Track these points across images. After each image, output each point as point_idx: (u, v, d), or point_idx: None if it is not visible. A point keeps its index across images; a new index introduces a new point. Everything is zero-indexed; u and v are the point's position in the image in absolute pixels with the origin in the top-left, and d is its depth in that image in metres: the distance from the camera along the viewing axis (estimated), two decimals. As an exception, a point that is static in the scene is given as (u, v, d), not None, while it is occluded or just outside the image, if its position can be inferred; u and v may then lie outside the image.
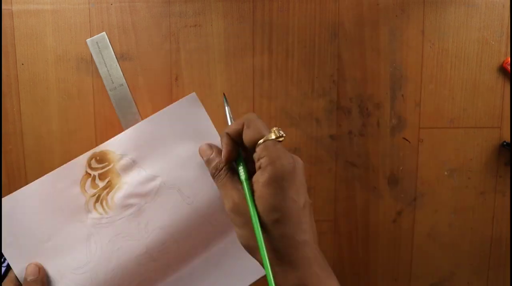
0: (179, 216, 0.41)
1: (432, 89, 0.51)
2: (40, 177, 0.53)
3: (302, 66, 0.52)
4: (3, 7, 0.51)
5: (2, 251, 0.40)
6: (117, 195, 0.41)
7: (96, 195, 0.41)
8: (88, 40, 0.51)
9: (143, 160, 0.41)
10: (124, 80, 0.52)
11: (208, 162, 0.37)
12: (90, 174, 0.41)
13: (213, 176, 0.36)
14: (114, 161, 0.41)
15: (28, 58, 0.52)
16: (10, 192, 0.55)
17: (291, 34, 0.51)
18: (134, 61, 0.52)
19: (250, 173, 0.34)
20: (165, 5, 0.51)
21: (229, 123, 0.38)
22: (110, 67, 0.52)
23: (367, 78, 0.52)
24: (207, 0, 0.51)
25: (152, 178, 0.41)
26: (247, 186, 0.32)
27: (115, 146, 0.41)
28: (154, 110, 0.52)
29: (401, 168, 0.53)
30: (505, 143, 0.51)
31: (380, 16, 0.51)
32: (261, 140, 0.31)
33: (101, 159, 0.41)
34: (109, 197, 0.41)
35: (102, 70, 0.52)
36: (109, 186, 0.41)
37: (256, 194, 0.31)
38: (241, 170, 0.34)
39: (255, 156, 0.32)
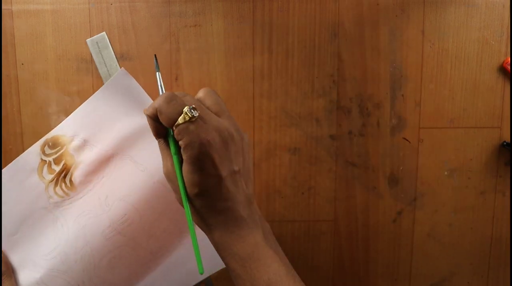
0: (135, 184, 0.42)
1: (432, 89, 0.51)
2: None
3: (302, 66, 0.52)
4: (3, 7, 0.51)
5: None
6: (74, 175, 0.42)
7: (54, 179, 0.42)
8: (88, 40, 0.51)
9: (93, 137, 0.43)
10: (124, 80, 0.52)
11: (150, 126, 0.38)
12: (45, 160, 0.42)
13: (156, 138, 0.38)
14: (66, 143, 0.42)
15: (28, 58, 0.52)
16: (10, 192, 0.55)
17: (291, 34, 0.51)
18: (134, 61, 0.52)
19: None
20: (165, 5, 0.51)
21: (160, 93, 0.38)
22: (110, 67, 0.52)
23: (367, 78, 0.52)
24: (207, 0, 0.51)
25: (105, 153, 0.42)
26: (176, 160, 0.34)
27: (64, 129, 0.43)
28: (154, 110, 0.52)
29: (401, 168, 0.53)
30: (505, 143, 0.51)
31: (380, 16, 0.51)
32: (175, 123, 0.33)
33: (54, 144, 0.42)
34: (67, 179, 0.42)
35: (102, 70, 0.52)
36: (65, 169, 0.42)
37: (182, 168, 0.34)
38: (171, 145, 0.35)
39: (175, 137, 0.34)
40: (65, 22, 0.51)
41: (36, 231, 0.42)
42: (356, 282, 0.55)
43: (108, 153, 0.43)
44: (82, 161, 0.42)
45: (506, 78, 0.51)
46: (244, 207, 0.36)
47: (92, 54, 0.52)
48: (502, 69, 0.50)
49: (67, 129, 0.43)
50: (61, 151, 0.42)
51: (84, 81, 0.52)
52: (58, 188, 0.42)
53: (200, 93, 0.36)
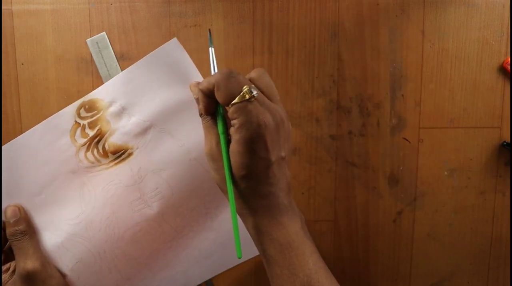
0: (170, 159, 0.41)
1: (432, 89, 0.51)
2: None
3: (302, 66, 0.52)
4: (3, 7, 0.51)
5: None
6: (108, 142, 0.41)
7: (87, 144, 0.41)
8: (88, 40, 0.51)
9: (132, 105, 0.41)
10: (124, 80, 0.52)
11: (196, 101, 0.37)
12: (79, 123, 0.41)
13: (200, 115, 0.37)
14: (103, 108, 0.41)
15: (28, 58, 0.52)
16: (10, 192, 0.55)
17: (291, 34, 0.51)
18: (134, 61, 0.52)
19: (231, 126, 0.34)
20: (165, 5, 0.51)
21: (212, 71, 0.38)
22: (110, 67, 0.52)
23: (367, 78, 0.52)
24: (207, 0, 0.51)
25: (142, 123, 0.41)
26: (223, 140, 0.34)
27: (103, 93, 0.41)
28: (154, 110, 0.52)
29: (401, 168, 0.53)
30: (505, 143, 0.51)
31: (380, 16, 0.51)
32: (233, 102, 0.32)
33: (90, 107, 0.41)
34: (99, 145, 0.40)
35: (102, 70, 0.52)
36: (99, 134, 0.41)
37: (230, 149, 0.33)
38: (219, 123, 0.35)
39: (229, 116, 0.33)
40: (65, 22, 0.51)
41: (61, 194, 0.40)
42: (356, 282, 0.55)
43: (146, 123, 0.41)
44: (118, 129, 0.41)
45: (506, 78, 0.51)
46: (285, 194, 0.35)
47: (92, 54, 0.52)
48: (502, 69, 0.50)
49: (106, 94, 0.41)
50: (97, 115, 0.41)
51: (84, 81, 0.52)
52: (89, 153, 0.41)
53: (253, 74, 0.35)
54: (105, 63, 0.52)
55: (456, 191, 0.53)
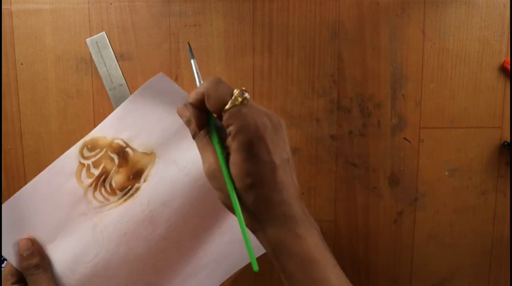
0: (179, 188, 0.40)
1: (432, 89, 0.51)
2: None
3: (302, 66, 0.52)
4: (2, 6, 0.51)
5: (5, 256, 0.39)
6: (114, 180, 0.40)
7: (94, 184, 0.40)
8: (87, 39, 0.51)
9: (134, 139, 0.40)
10: (123, 80, 0.52)
11: (187, 123, 0.36)
12: (84, 164, 0.40)
13: (193, 137, 0.35)
14: (106, 145, 0.40)
15: (27, 58, 0.52)
16: (9, 192, 0.55)
17: (291, 34, 0.51)
18: (134, 61, 0.52)
19: (227, 136, 0.33)
20: (164, 4, 0.51)
21: (197, 83, 0.36)
22: (109, 67, 0.51)
23: (368, 78, 0.52)
24: (207, 0, 0.51)
25: (146, 156, 0.40)
26: (219, 151, 0.32)
27: (104, 130, 0.40)
28: (154, 110, 0.52)
29: (401, 168, 0.53)
30: (506, 143, 0.51)
31: (381, 15, 0.51)
32: (225, 108, 0.30)
33: (93, 146, 0.40)
34: (106, 183, 0.40)
35: (101, 70, 0.52)
36: (104, 172, 0.40)
37: (230, 160, 0.31)
38: (213, 135, 0.33)
39: (224, 123, 0.31)
40: (65, 21, 0.51)
41: (75, 238, 0.40)
42: (357, 283, 0.55)
43: (151, 155, 0.41)
44: (123, 164, 0.40)
45: (506, 78, 0.51)
46: (297, 201, 0.32)
47: (92, 54, 0.51)
48: (502, 69, 0.50)
49: (107, 130, 0.40)
50: (101, 154, 0.40)
51: (84, 81, 0.52)
52: (97, 193, 0.40)
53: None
54: (104, 63, 0.51)
55: (456, 191, 0.53)
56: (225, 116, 0.31)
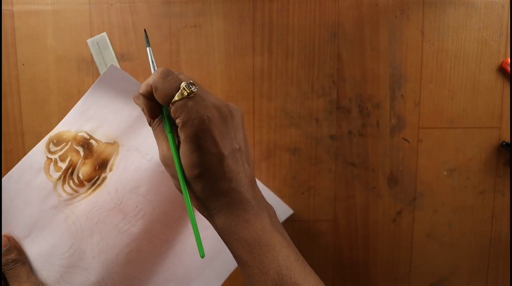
0: (143, 175, 0.41)
1: (431, 89, 0.51)
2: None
3: (302, 66, 0.52)
4: (3, 7, 0.51)
5: None
6: (81, 171, 0.41)
7: (62, 177, 0.41)
8: (88, 40, 0.52)
9: (97, 130, 0.41)
10: (124, 80, 0.52)
11: (143, 112, 0.37)
12: (51, 158, 0.41)
13: (149, 124, 0.36)
14: (71, 139, 0.41)
15: (28, 58, 0.52)
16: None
17: (291, 34, 0.52)
18: (135, 61, 0.52)
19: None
20: (165, 5, 0.51)
21: (152, 70, 0.37)
22: (110, 67, 0.52)
23: (367, 78, 0.52)
24: (207, 1, 0.51)
25: (110, 145, 0.41)
26: (171, 139, 0.33)
27: (68, 124, 0.41)
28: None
29: (400, 168, 0.53)
30: (504, 143, 0.51)
31: (380, 16, 0.51)
32: (172, 100, 0.31)
33: (58, 141, 0.41)
34: (74, 175, 0.41)
35: (102, 71, 0.52)
36: (71, 165, 0.41)
37: (180, 151, 0.33)
38: (165, 124, 0.34)
39: (171, 115, 0.32)
40: (66, 22, 0.52)
41: (49, 232, 0.41)
42: (356, 282, 0.55)
43: (114, 144, 0.42)
44: (88, 156, 0.41)
45: (505, 79, 0.51)
46: (247, 188, 0.33)
47: (93, 55, 0.52)
48: (501, 70, 0.51)
49: (71, 124, 0.41)
50: (66, 147, 0.41)
51: (85, 81, 0.52)
52: (66, 186, 0.41)
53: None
54: (105, 63, 0.52)
55: (455, 191, 0.53)
56: (172, 109, 0.32)
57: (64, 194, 0.41)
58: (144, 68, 0.52)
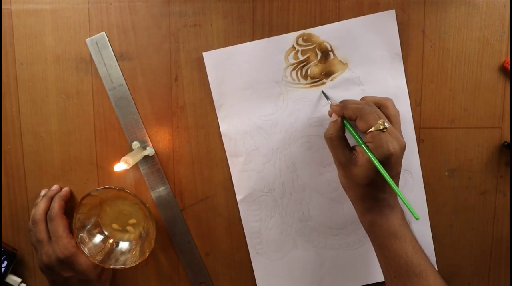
0: (350, 98, 0.50)
1: (432, 89, 0.51)
2: (38, 177, 0.53)
3: (302, 66, 0.52)
4: (2, 6, 0.51)
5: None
6: (311, 69, 0.50)
7: (295, 65, 0.50)
8: (87, 40, 0.51)
9: (339, 49, 0.50)
10: (123, 80, 0.52)
11: (333, 123, 0.46)
12: (295, 48, 0.50)
13: (329, 136, 0.45)
14: (317, 43, 0.50)
15: (27, 58, 0.52)
16: (9, 192, 0.55)
17: (291, 34, 0.51)
18: (134, 61, 0.52)
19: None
20: (164, 5, 0.51)
21: (328, 103, 0.50)
22: (109, 67, 0.51)
23: (368, 78, 0.52)
24: (207, 0, 0.51)
25: (341, 64, 0.50)
26: (370, 151, 0.42)
27: (320, 32, 0.50)
28: (154, 110, 0.52)
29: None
30: (506, 143, 0.51)
31: (381, 15, 0.50)
32: (370, 130, 0.41)
33: (307, 39, 0.50)
34: (303, 69, 0.50)
35: (101, 70, 0.52)
36: (306, 61, 0.50)
37: (362, 161, 0.43)
38: (358, 138, 0.44)
39: (365, 140, 0.42)
40: (65, 22, 0.51)
41: (262, 94, 0.51)
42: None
43: (344, 65, 0.50)
44: (322, 61, 0.50)
45: (506, 78, 0.51)
46: (392, 197, 0.45)
47: (92, 54, 0.51)
48: (503, 69, 0.50)
49: (322, 32, 0.50)
50: (311, 47, 0.50)
51: (84, 81, 0.52)
52: (294, 72, 0.50)
53: (385, 101, 0.46)
54: (104, 63, 0.51)
55: (456, 191, 0.53)
56: (367, 136, 0.42)
57: (289, 77, 0.51)
58: (143, 68, 0.52)
